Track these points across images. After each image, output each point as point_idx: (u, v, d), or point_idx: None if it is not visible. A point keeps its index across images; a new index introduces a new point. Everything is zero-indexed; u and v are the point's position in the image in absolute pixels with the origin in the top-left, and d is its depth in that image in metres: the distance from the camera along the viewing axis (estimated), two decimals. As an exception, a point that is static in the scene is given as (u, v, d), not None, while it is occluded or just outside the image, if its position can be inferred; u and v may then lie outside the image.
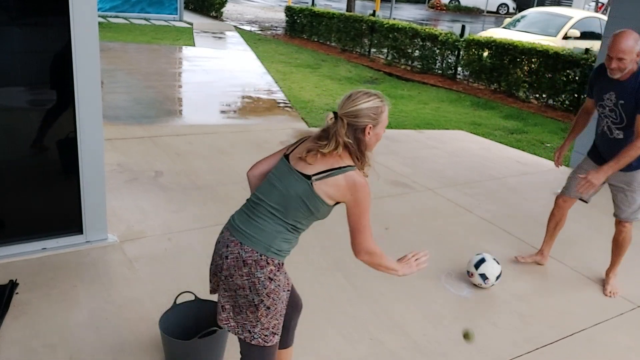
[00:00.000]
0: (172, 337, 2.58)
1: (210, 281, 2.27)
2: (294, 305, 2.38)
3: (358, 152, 2.09)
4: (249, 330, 2.10)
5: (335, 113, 2.10)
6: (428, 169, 5.87)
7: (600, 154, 3.70)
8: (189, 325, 2.70)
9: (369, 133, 2.09)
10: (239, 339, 2.16)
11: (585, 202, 3.90)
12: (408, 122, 8.04)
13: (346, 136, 2.06)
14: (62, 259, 3.52)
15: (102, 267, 3.48)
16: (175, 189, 4.73)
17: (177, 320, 2.71)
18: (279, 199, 2.09)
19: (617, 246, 3.81)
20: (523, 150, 7.15)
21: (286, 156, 2.16)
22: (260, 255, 2.05)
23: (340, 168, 2.05)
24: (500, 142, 7.40)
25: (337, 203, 2.11)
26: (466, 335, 2.90)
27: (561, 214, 3.97)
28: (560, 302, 3.64)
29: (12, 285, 3.16)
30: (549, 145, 7.60)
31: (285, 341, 2.43)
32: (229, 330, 2.16)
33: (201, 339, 2.53)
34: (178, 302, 2.76)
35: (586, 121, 3.96)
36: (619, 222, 3.75)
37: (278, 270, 2.09)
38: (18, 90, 3.46)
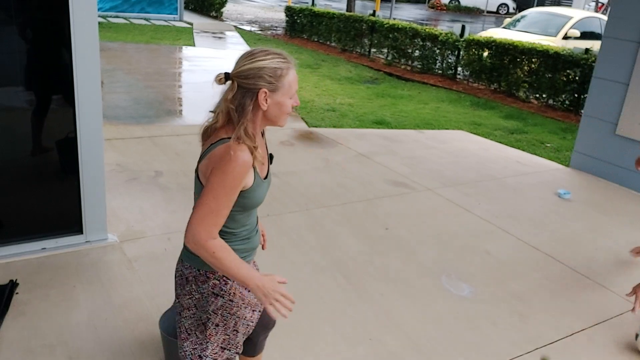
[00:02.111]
0: (172, 337, 2.58)
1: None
2: (264, 324, 2.19)
3: (236, 120, 1.72)
4: (199, 356, 1.91)
5: (226, 73, 1.74)
6: (428, 169, 5.87)
7: None
8: (188, 325, 2.70)
9: (265, 100, 1.72)
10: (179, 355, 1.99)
11: None
12: (408, 122, 8.04)
13: (231, 102, 1.72)
14: (61, 259, 3.52)
15: (101, 267, 3.48)
16: (175, 189, 4.73)
17: (177, 321, 2.71)
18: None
19: None
20: (523, 150, 7.15)
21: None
22: (198, 270, 1.86)
23: (214, 143, 1.73)
24: (500, 142, 7.40)
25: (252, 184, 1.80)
26: None
27: None
28: (560, 302, 3.64)
29: (12, 285, 3.16)
30: (549, 145, 7.60)
31: (252, 351, 2.27)
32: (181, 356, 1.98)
33: (201, 339, 2.52)
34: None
35: None
36: None
37: (225, 284, 1.86)
38: (18, 90, 3.45)
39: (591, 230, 4.79)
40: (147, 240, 3.86)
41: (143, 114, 7.13)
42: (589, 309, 3.60)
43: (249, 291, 1.87)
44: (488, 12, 28.56)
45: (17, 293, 3.13)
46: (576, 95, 9.42)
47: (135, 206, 4.33)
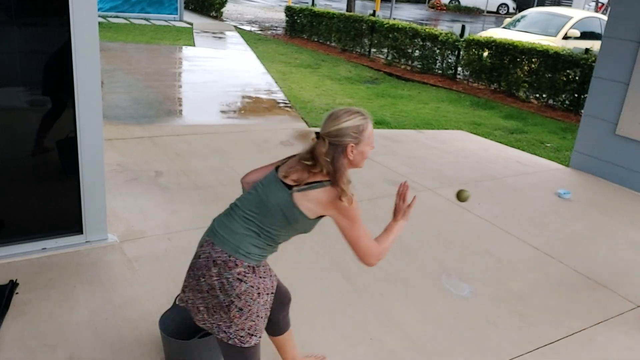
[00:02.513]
0: (172, 337, 2.58)
1: (182, 292, 2.23)
2: (280, 301, 2.40)
3: (332, 172, 2.04)
4: (224, 331, 2.08)
5: (317, 133, 2.08)
6: (428, 169, 5.87)
7: None
8: (189, 325, 2.70)
9: (351, 152, 2.07)
10: (217, 339, 2.14)
11: None
12: (408, 122, 8.04)
13: (326, 155, 2.03)
14: (62, 259, 3.52)
15: (102, 267, 3.48)
16: (175, 189, 4.73)
17: (177, 320, 2.71)
18: (256, 205, 2.10)
19: None
20: (523, 150, 7.15)
21: (277, 168, 2.17)
22: (229, 256, 2.04)
23: (320, 182, 2.05)
24: (500, 142, 7.40)
25: (321, 217, 2.12)
26: (460, 196, 2.87)
27: None
28: (560, 302, 3.64)
29: (12, 285, 3.16)
30: (548, 145, 7.60)
31: (278, 329, 2.49)
32: (208, 330, 2.15)
33: (201, 339, 2.53)
34: (178, 302, 2.76)
35: None
36: None
37: (251, 273, 2.06)
38: (18, 90, 3.46)
39: (591, 230, 4.79)
40: (147, 240, 3.86)
41: (143, 114, 7.13)
42: (589, 309, 3.60)
43: (269, 277, 2.15)
44: (488, 12, 28.56)
45: (17, 293, 3.13)
46: (576, 95, 9.42)
47: (135, 206, 4.33)
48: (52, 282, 3.27)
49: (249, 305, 2.06)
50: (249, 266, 2.06)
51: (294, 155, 2.18)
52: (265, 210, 2.08)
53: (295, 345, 2.64)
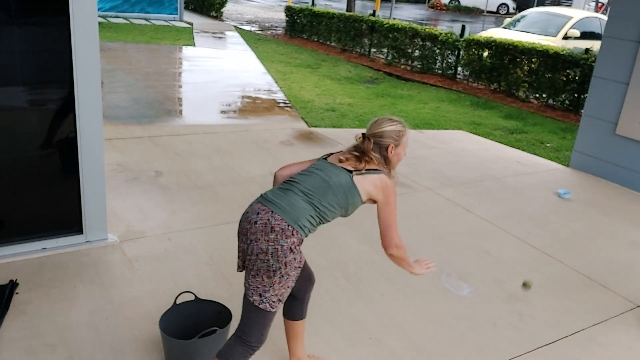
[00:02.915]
0: (172, 337, 2.58)
1: (238, 258, 2.38)
2: (307, 279, 2.60)
3: (383, 163, 2.41)
4: (260, 294, 2.23)
5: (363, 134, 2.41)
6: (427, 169, 5.87)
7: None
8: (189, 325, 2.70)
9: (391, 152, 2.42)
10: (245, 304, 2.27)
11: None
12: (408, 122, 7.93)
13: (373, 152, 2.38)
14: (62, 259, 3.52)
15: (102, 267, 3.48)
16: (175, 189, 4.73)
17: (177, 320, 2.71)
18: (318, 184, 2.30)
19: None
20: (523, 150, 7.15)
21: (324, 158, 2.45)
22: (288, 226, 2.21)
23: (375, 170, 2.36)
24: (500, 142, 7.40)
25: (368, 201, 2.39)
26: (525, 285, 3.15)
27: None
28: (560, 302, 3.64)
29: (12, 285, 3.16)
30: (548, 145, 7.60)
31: (300, 313, 2.64)
32: (245, 292, 2.27)
33: (201, 339, 2.53)
34: (178, 302, 2.76)
35: None
36: None
37: (299, 244, 2.26)
38: (18, 90, 3.46)
39: (591, 230, 4.80)
40: (147, 240, 3.86)
41: (143, 114, 7.14)
42: (589, 309, 3.60)
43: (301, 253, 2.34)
44: (488, 12, 28.56)
45: (17, 293, 3.13)
46: (576, 95, 9.42)
47: (135, 206, 4.33)
48: (52, 282, 3.27)
49: (289, 275, 2.24)
50: (300, 238, 2.26)
51: (331, 154, 2.47)
52: (327, 189, 2.29)
53: (304, 344, 2.73)
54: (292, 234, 2.22)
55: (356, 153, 2.39)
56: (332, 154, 2.48)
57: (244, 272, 2.34)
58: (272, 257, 2.19)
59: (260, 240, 2.21)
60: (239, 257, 2.36)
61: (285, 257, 2.20)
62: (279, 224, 2.20)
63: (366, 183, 2.34)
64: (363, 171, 2.35)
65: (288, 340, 2.71)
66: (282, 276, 2.22)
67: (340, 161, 2.38)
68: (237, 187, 4.90)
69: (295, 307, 2.61)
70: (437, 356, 3.01)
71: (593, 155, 6.19)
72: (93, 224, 3.70)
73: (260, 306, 2.23)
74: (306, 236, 2.29)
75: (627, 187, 5.85)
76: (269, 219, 2.22)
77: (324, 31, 14.87)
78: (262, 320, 2.27)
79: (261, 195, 2.36)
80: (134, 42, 12.43)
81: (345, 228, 4.25)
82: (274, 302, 2.25)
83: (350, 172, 2.34)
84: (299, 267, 2.29)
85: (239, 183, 4.98)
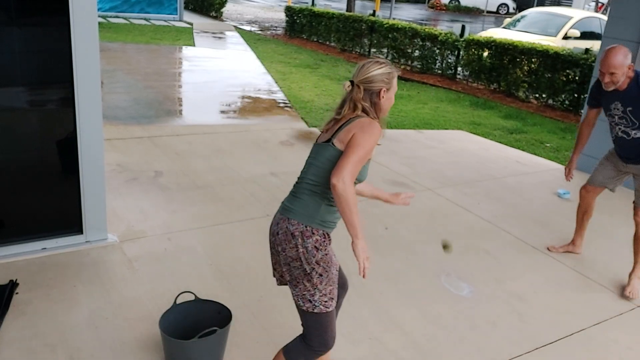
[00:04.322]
0: (172, 337, 2.58)
1: (274, 271, 2.40)
2: (341, 284, 2.57)
3: (374, 112, 2.27)
4: (309, 300, 2.24)
5: (351, 81, 2.28)
6: (427, 169, 5.87)
7: (624, 153, 3.82)
8: (188, 325, 2.70)
9: (383, 96, 2.28)
10: (300, 312, 2.29)
11: (612, 191, 4.07)
12: (407, 122, 8.04)
13: (363, 100, 2.25)
14: (62, 259, 3.52)
15: (102, 267, 3.48)
16: (175, 189, 4.73)
17: (177, 320, 2.71)
18: (315, 172, 2.25)
19: (637, 244, 3.83)
20: (522, 150, 7.16)
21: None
22: (305, 227, 2.22)
23: (352, 118, 2.23)
24: (500, 142, 7.40)
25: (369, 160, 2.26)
26: (445, 247, 3.05)
27: (586, 204, 4.14)
28: (560, 302, 3.64)
29: (12, 285, 3.16)
30: (548, 145, 7.60)
31: (336, 313, 2.59)
32: (295, 301, 2.27)
33: (201, 339, 2.53)
34: (178, 302, 2.76)
35: (589, 132, 4.07)
36: (636, 214, 3.79)
37: (324, 240, 2.25)
38: (18, 90, 3.46)
39: (591, 230, 4.79)
40: (147, 240, 3.86)
41: (143, 114, 7.13)
42: (589, 309, 3.60)
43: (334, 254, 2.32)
44: (488, 12, 28.55)
45: (17, 293, 3.13)
46: (576, 95, 9.42)
47: (135, 206, 4.33)
48: (52, 282, 3.27)
49: (327, 271, 2.24)
50: (323, 233, 2.25)
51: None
52: (322, 173, 2.23)
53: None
54: (313, 233, 2.22)
55: (339, 110, 2.29)
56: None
57: (274, 280, 2.39)
58: (302, 261, 2.21)
59: (287, 249, 2.23)
60: (274, 270, 2.38)
61: (314, 257, 2.21)
62: (297, 228, 2.22)
63: (342, 134, 2.20)
64: (340, 128, 2.22)
65: None
66: (321, 275, 2.23)
67: (327, 131, 2.29)
68: (237, 187, 4.90)
69: None
70: (436, 356, 3.01)
71: (593, 156, 6.15)
72: (93, 224, 3.70)
73: (315, 310, 2.24)
74: (331, 229, 2.30)
75: (626, 187, 5.83)
76: (287, 227, 2.23)
77: (324, 31, 14.87)
78: (321, 323, 2.28)
79: (281, 203, 2.36)
80: (133, 43, 12.42)
81: (345, 228, 4.24)
82: (325, 302, 2.26)
83: (330, 140, 2.23)
84: (334, 264, 2.29)
85: (238, 183, 4.98)
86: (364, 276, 2.20)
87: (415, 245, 4.20)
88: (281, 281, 2.40)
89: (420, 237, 4.34)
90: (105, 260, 3.56)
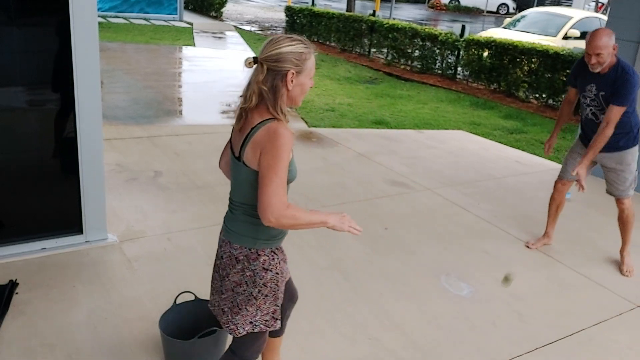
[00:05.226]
0: (171, 337, 2.58)
1: (211, 296, 2.26)
2: (289, 297, 2.39)
3: (272, 100, 1.90)
4: (251, 322, 2.10)
5: (255, 57, 1.93)
6: (427, 169, 5.87)
7: (587, 137, 3.94)
8: (188, 325, 2.70)
9: (291, 81, 1.91)
10: (237, 335, 2.14)
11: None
12: (407, 122, 8.04)
13: (263, 83, 1.89)
14: (61, 259, 3.52)
15: (101, 267, 3.48)
16: (175, 189, 4.73)
17: (177, 320, 2.71)
18: (240, 194, 2.03)
19: (623, 224, 4.08)
20: (522, 150, 7.15)
21: (230, 140, 2.10)
22: (249, 250, 2.04)
23: (253, 127, 1.90)
24: (500, 142, 7.40)
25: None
26: (506, 279, 3.07)
27: (561, 197, 4.26)
28: (560, 302, 3.64)
29: (12, 285, 3.16)
30: (548, 145, 7.60)
31: (280, 330, 2.45)
32: (230, 333, 2.15)
33: (201, 339, 2.53)
34: (178, 302, 2.76)
35: (570, 110, 4.22)
36: (618, 201, 4.01)
37: (273, 259, 2.06)
38: (18, 90, 3.46)
39: (591, 230, 4.80)
40: (147, 240, 3.86)
41: (143, 114, 7.13)
42: (589, 309, 3.60)
43: (285, 262, 2.16)
44: (488, 12, 28.56)
45: (17, 293, 3.13)
46: (576, 95, 9.42)
47: (134, 206, 4.33)
48: (52, 282, 3.27)
49: (274, 291, 2.08)
50: (271, 251, 2.06)
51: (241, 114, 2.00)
52: (247, 193, 1.99)
53: (280, 358, 2.62)
54: (259, 255, 2.03)
55: (242, 106, 1.94)
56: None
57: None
58: (247, 285, 2.05)
59: (231, 274, 2.07)
60: (211, 295, 2.20)
61: (262, 279, 2.04)
62: (240, 252, 2.04)
63: (249, 150, 1.89)
64: (246, 139, 1.90)
65: (263, 354, 2.53)
66: (266, 295, 2.07)
67: (240, 130, 1.97)
68: (236, 187, 4.89)
69: None
70: (436, 356, 3.01)
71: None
72: (93, 224, 3.70)
73: (256, 330, 2.11)
74: (281, 241, 2.11)
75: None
76: (230, 251, 2.06)
77: (324, 31, 14.87)
78: (259, 339, 2.19)
79: (223, 219, 2.15)
80: (133, 42, 12.42)
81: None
82: (266, 321, 2.12)
83: (239, 159, 1.95)
84: (283, 279, 2.12)
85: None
86: (358, 232, 2.01)
87: (415, 245, 4.20)
88: (213, 307, 2.21)
89: (420, 237, 4.34)
90: (105, 260, 3.56)
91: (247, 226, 2.04)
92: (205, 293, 3.00)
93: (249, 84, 1.95)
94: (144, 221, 4.11)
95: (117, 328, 2.94)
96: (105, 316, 3.03)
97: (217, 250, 2.16)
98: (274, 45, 1.90)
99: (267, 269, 2.05)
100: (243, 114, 1.96)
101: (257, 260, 2.03)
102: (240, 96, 1.98)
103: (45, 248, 3.58)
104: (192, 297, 2.82)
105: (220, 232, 2.16)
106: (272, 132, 1.86)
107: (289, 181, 1.98)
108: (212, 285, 2.23)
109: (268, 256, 2.05)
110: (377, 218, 4.55)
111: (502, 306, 3.53)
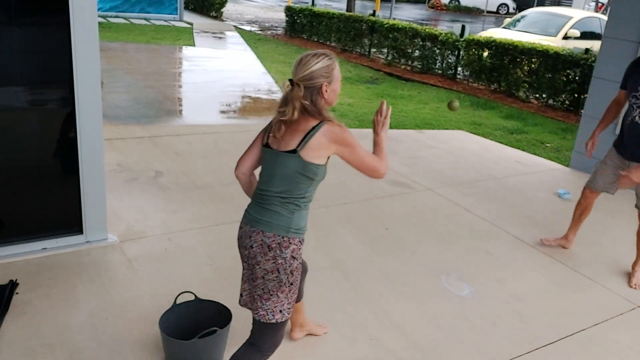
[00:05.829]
0: (172, 337, 2.58)
1: (242, 290, 2.36)
2: (303, 270, 2.58)
3: (316, 111, 2.20)
4: (280, 311, 2.25)
5: (291, 80, 2.23)
6: (428, 169, 5.87)
7: (624, 143, 3.81)
8: (188, 325, 2.70)
9: (326, 91, 2.23)
10: (261, 325, 2.27)
11: (611, 194, 4.11)
12: (408, 122, 8.04)
13: (304, 99, 2.18)
14: (62, 259, 3.52)
15: (102, 267, 3.48)
16: (175, 189, 4.73)
17: (177, 320, 2.71)
18: (281, 184, 2.21)
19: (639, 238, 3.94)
20: (523, 150, 7.15)
21: (266, 145, 2.28)
22: (282, 238, 2.20)
23: (313, 128, 2.18)
24: (500, 142, 7.40)
25: (329, 157, 2.27)
26: (450, 106, 3.10)
27: (587, 204, 4.19)
28: (560, 302, 3.64)
29: (12, 285, 3.16)
30: (548, 145, 7.60)
31: (299, 297, 2.73)
32: (260, 319, 2.25)
33: (201, 339, 2.53)
34: (178, 302, 2.76)
35: (617, 112, 4.09)
36: None
37: (299, 249, 2.25)
38: (18, 90, 3.46)
39: (591, 230, 4.79)
40: (147, 240, 3.86)
41: (143, 114, 7.14)
42: (589, 309, 3.60)
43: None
44: (488, 12, 28.55)
45: (17, 293, 3.13)
46: (576, 95, 9.42)
47: (135, 206, 4.33)
48: (52, 282, 3.27)
49: (297, 280, 2.27)
50: (299, 241, 2.25)
51: (270, 125, 2.29)
52: (290, 183, 2.20)
53: (305, 314, 2.93)
54: (290, 243, 2.21)
55: (284, 116, 2.18)
56: (269, 128, 2.30)
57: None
58: (279, 272, 2.20)
59: (261, 262, 2.21)
60: (242, 289, 2.34)
61: (290, 267, 2.22)
62: (273, 240, 2.19)
63: (313, 150, 2.17)
64: (304, 140, 2.16)
65: (292, 316, 2.76)
66: (292, 284, 2.24)
67: (282, 138, 2.20)
68: (236, 187, 4.85)
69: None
70: (436, 356, 3.01)
71: (593, 156, 6.17)
72: (93, 224, 3.70)
73: (283, 319, 2.26)
74: (305, 233, 2.29)
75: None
76: (262, 240, 2.20)
77: (324, 31, 14.87)
78: (279, 329, 2.31)
79: (245, 213, 2.31)
80: (133, 42, 12.43)
81: (346, 228, 4.25)
82: (289, 309, 2.28)
83: (295, 151, 2.17)
84: (301, 265, 2.30)
85: (238, 183, 4.97)
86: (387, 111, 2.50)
87: (416, 245, 4.20)
88: (245, 302, 2.34)
89: (421, 237, 4.34)
90: (106, 261, 3.56)
91: (281, 216, 2.21)
92: (205, 293, 3.00)
93: (285, 100, 2.22)
94: (144, 221, 4.11)
95: (117, 328, 2.94)
96: (105, 316, 3.03)
97: (243, 242, 2.26)
98: (304, 66, 2.21)
99: (295, 257, 2.23)
100: (283, 126, 2.21)
101: (288, 249, 2.20)
102: (279, 110, 2.24)
103: (45, 248, 3.58)
104: (192, 297, 2.82)
105: (243, 226, 2.28)
106: (335, 133, 2.20)
107: (320, 179, 2.27)
108: (242, 275, 2.34)
109: (297, 245, 2.23)
110: (377, 218, 4.55)
111: (502, 306, 3.53)
